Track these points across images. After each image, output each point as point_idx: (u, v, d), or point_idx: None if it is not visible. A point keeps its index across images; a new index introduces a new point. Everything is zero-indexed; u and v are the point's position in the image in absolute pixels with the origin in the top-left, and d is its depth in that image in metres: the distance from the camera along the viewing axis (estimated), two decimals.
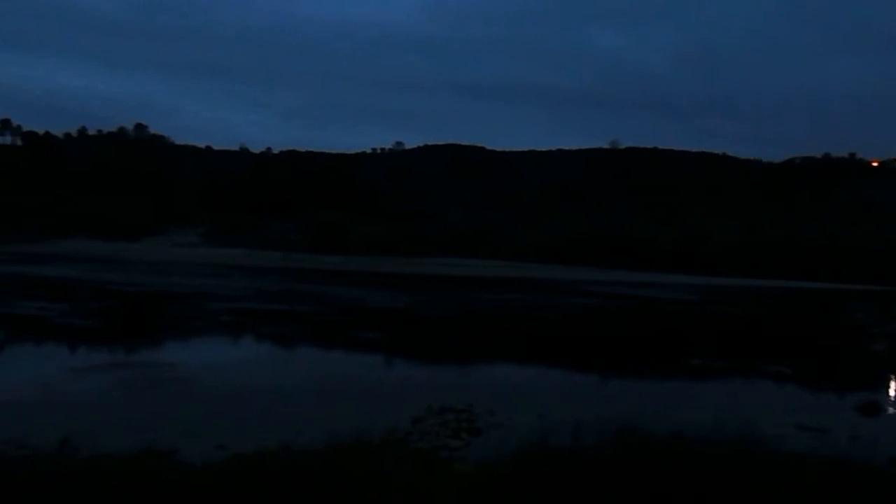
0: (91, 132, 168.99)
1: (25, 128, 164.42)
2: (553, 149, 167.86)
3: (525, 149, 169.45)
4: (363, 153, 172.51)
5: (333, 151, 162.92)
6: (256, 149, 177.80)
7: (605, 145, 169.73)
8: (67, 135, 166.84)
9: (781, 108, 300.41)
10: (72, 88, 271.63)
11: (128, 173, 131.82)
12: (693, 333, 35.24)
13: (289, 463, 8.45)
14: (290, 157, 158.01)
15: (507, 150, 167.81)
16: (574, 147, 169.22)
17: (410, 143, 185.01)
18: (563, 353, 26.92)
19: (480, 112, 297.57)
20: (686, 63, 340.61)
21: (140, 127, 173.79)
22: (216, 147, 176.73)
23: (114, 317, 32.41)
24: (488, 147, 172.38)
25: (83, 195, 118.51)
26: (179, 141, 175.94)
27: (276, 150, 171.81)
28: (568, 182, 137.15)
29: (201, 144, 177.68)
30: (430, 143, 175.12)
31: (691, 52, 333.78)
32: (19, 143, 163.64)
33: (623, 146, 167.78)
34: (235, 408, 14.73)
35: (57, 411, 13.66)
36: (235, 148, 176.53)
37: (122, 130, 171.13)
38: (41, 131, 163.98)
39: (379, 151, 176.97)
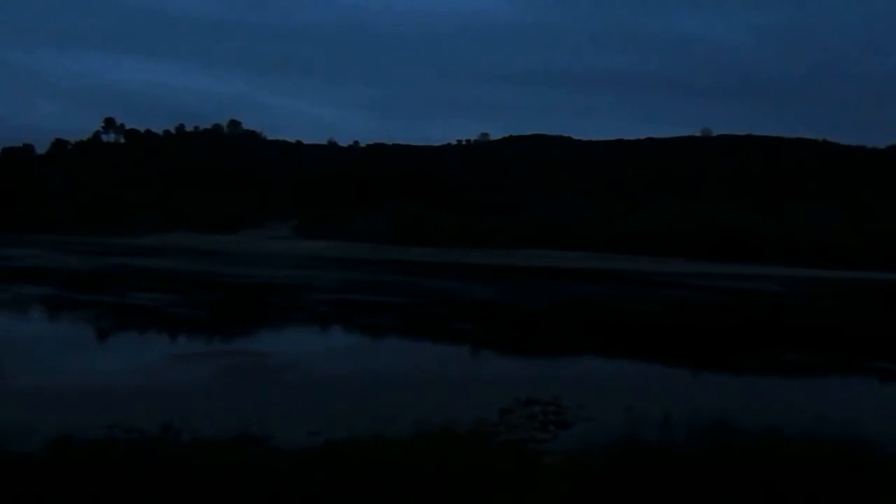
0: (188, 129, 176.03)
1: (128, 126, 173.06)
2: (642, 138, 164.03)
3: (612, 138, 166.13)
4: (448, 145, 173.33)
5: (419, 144, 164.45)
6: (344, 143, 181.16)
7: (697, 133, 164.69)
8: (167, 132, 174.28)
9: (884, 89, 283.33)
10: (169, 87, 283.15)
11: (223, 168, 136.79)
12: (791, 327, 33.86)
13: (378, 452, 8.60)
14: (377, 150, 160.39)
15: (594, 139, 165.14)
16: (664, 135, 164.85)
17: (495, 134, 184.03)
18: (654, 346, 26.37)
19: (566, 101, 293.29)
20: (779, 45, 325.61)
21: (234, 123, 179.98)
22: (306, 142, 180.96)
23: (219, 307, 33.79)
24: (575, 137, 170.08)
25: (182, 190, 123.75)
26: (271, 136, 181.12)
27: (363, 144, 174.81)
28: (658, 172, 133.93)
29: (292, 139, 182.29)
30: (514, 133, 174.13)
31: (783, 32, 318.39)
32: (122, 140, 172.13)
33: (715, 133, 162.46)
34: (329, 396, 15.13)
35: (161, 397, 14.38)
36: (324, 142, 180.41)
37: (217, 127, 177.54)
38: (142, 129, 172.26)
39: (464, 143, 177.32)
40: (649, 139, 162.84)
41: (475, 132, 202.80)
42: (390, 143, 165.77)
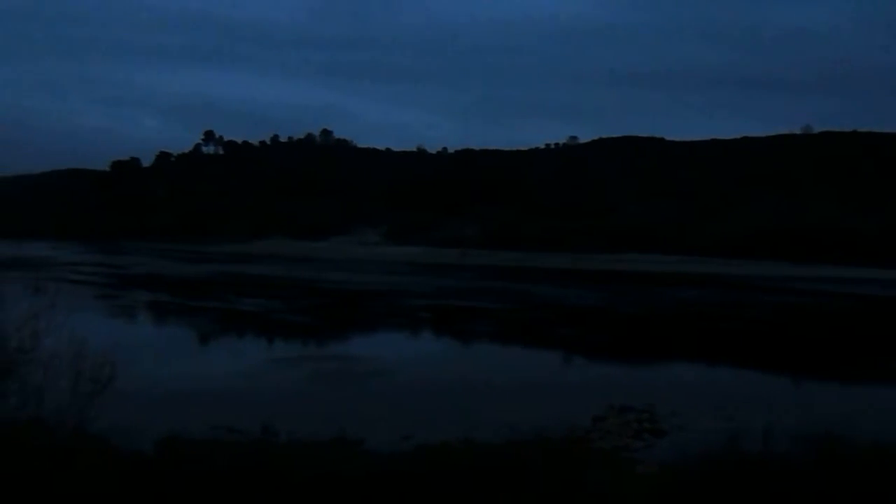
0: (283, 139, 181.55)
1: (226, 138, 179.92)
2: (737, 137, 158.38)
3: (706, 138, 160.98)
4: (536, 149, 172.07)
5: (507, 149, 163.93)
6: (433, 149, 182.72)
7: (797, 131, 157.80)
8: (262, 142, 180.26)
9: None
10: (265, 99, 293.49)
11: (316, 176, 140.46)
12: None
13: (470, 456, 8.62)
14: (465, 155, 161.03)
15: (688, 140, 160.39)
16: (762, 134, 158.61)
17: (584, 137, 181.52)
18: (754, 352, 25.43)
19: (657, 102, 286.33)
20: (885, 35, 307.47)
21: (326, 132, 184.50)
22: (395, 149, 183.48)
23: (319, 313, 34.80)
24: (667, 138, 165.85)
25: (277, 198, 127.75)
26: (362, 144, 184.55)
27: (451, 150, 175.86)
28: (754, 171, 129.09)
29: (382, 147, 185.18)
30: (604, 136, 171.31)
31: (885, 22, 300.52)
32: (221, 152, 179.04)
33: (817, 131, 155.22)
34: (422, 400, 15.32)
35: (262, 399, 14.90)
36: (413, 149, 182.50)
37: (309, 136, 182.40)
38: (240, 141, 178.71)
39: (552, 147, 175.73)
40: (745, 138, 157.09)
41: (563, 136, 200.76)
42: (478, 148, 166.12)
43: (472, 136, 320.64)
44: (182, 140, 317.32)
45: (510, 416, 11.63)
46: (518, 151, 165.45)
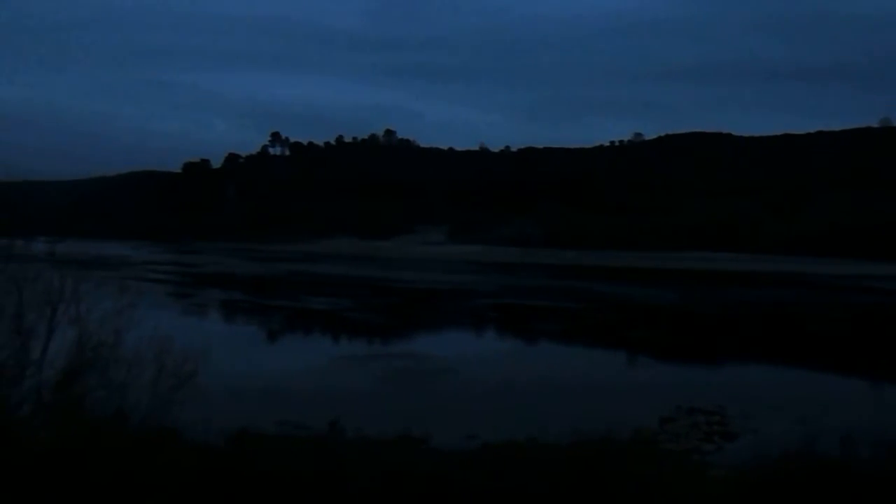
0: (347, 140, 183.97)
1: (292, 139, 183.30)
2: (812, 131, 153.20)
3: (778, 133, 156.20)
4: (600, 146, 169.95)
5: (571, 147, 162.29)
6: (495, 148, 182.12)
7: (875, 124, 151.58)
8: (327, 143, 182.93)
9: None
10: (328, 100, 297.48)
11: (379, 176, 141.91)
12: None
13: (536, 456, 8.57)
14: (528, 154, 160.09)
15: (758, 135, 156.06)
16: (836, 128, 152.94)
17: (649, 133, 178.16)
18: (831, 354, 24.56)
19: (725, 97, 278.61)
20: None
21: (389, 133, 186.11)
22: (458, 148, 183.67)
23: (388, 311, 35.22)
24: (736, 134, 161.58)
25: (342, 198, 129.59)
26: (424, 144, 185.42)
27: (514, 149, 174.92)
28: (830, 167, 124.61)
29: (444, 146, 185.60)
30: (671, 132, 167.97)
31: None
32: (287, 153, 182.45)
33: None
34: (488, 399, 15.33)
35: (331, 396, 15.16)
36: (476, 148, 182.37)
37: (373, 137, 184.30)
38: (305, 142, 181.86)
39: (617, 144, 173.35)
40: (820, 133, 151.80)
41: (628, 132, 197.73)
42: (541, 146, 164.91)
43: (534, 134, 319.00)
44: (250, 141, 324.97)
45: (576, 416, 11.50)
46: (581, 149, 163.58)
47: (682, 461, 9.54)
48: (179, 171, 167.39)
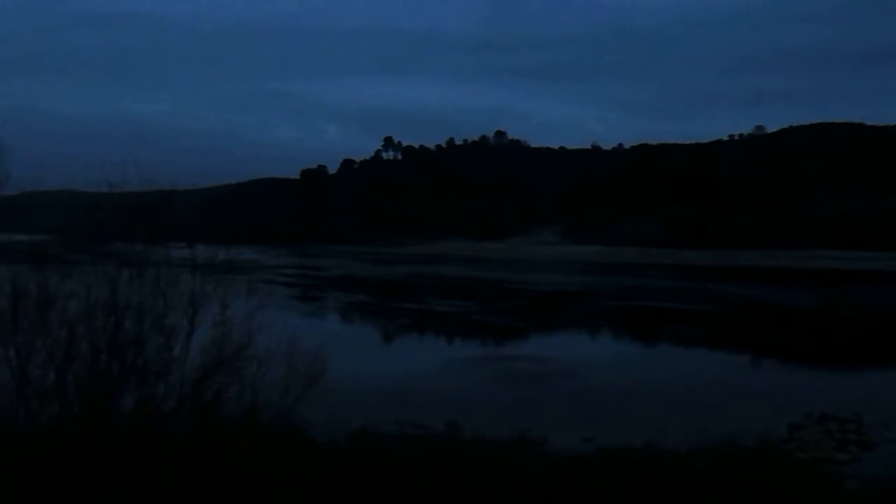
0: (458, 142, 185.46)
1: (404, 143, 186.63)
2: None
3: None
4: (719, 141, 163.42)
5: (687, 142, 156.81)
6: (608, 146, 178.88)
7: None
8: (439, 146, 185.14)
9: None
10: (439, 103, 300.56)
11: (491, 178, 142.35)
12: None
13: (654, 462, 8.39)
14: (642, 151, 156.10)
15: (893, 124, 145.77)
16: None
17: (772, 126, 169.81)
18: None
19: (855, 84, 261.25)
20: None
21: (499, 133, 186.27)
22: (569, 147, 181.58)
23: (512, 313, 35.35)
24: (868, 123, 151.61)
25: (454, 200, 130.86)
26: (535, 144, 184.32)
27: (627, 146, 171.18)
28: None
29: (555, 146, 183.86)
30: (794, 124, 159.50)
31: None
32: (400, 157, 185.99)
33: None
34: (606, 402, 15.12)
35: (449, 396, 15.38)
36: (587, 146, 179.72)
37: (483, 138, 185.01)
38: (417, 145, 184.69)
39: (737, 138, 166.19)
40: None
41: (749, 126, 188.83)
42: (656, 143, 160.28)
43: (648, 130, 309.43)
44: (364, 147, 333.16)
45: (698, 421, 11.17)
46: (698, 144, 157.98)
47: (814, 471, 9.07)
48: (298, 177, 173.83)
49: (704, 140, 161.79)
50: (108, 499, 4.62)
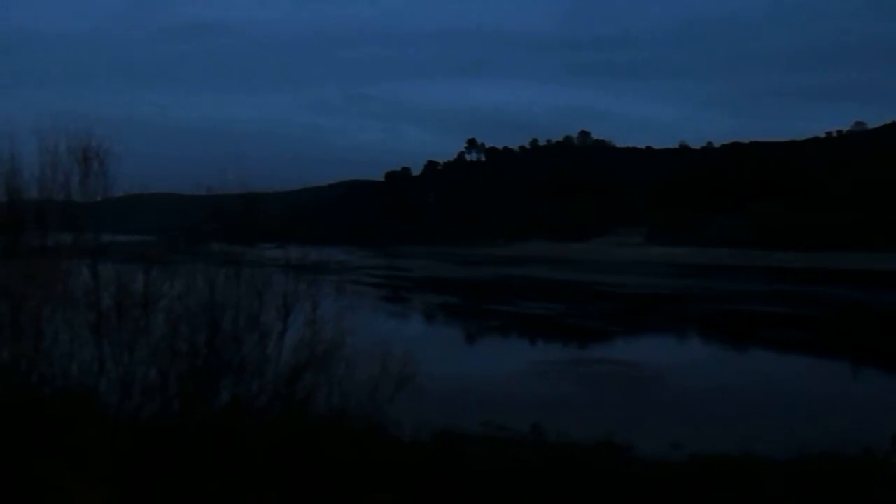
0: (541, 143, 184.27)
1: (487, 144, 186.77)
2: None
3: None
4: (815, 138, 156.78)
5: (780, 140, 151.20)
6: (696, 144, 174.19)
7: None
8: (522, 147, 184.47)
9: None
10: (521, 104, 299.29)
11: (575, 178, 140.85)
12: None
13: (750, 470, 8.12)
14: (733, 149, 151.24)
15: None
16: None
17: (873, 122, 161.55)
18: None
19: None
20: None
21: (584, 134, 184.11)
22: (656, 146, 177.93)
23: (606, 317, 34.87)
24: None
25: (537, 201, 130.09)
26: (620, 144, 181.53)
27: (717, 145, 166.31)
28: None
29: (641, 145, 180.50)
30: None
31: None
32: (483, 158, 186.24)
33: None
34: (696, 408, 14.71)
35: (535, 399, 15.28)
36: (675, 146, 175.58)
37: (567, 139, 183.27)
38: (500, 147, 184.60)
39: (834, 135, 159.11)
40: None
41: (847, 122, 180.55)
42: (747, 141, 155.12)
43: (739, 128, 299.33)
44: (447, 148, 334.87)
45: (796, 430, 10.73)
46: (793, 142, 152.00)
47: None
48: (382, 179, 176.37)
49: (799, 137, 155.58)
50: (206, 491, 4.81)
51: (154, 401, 5.68)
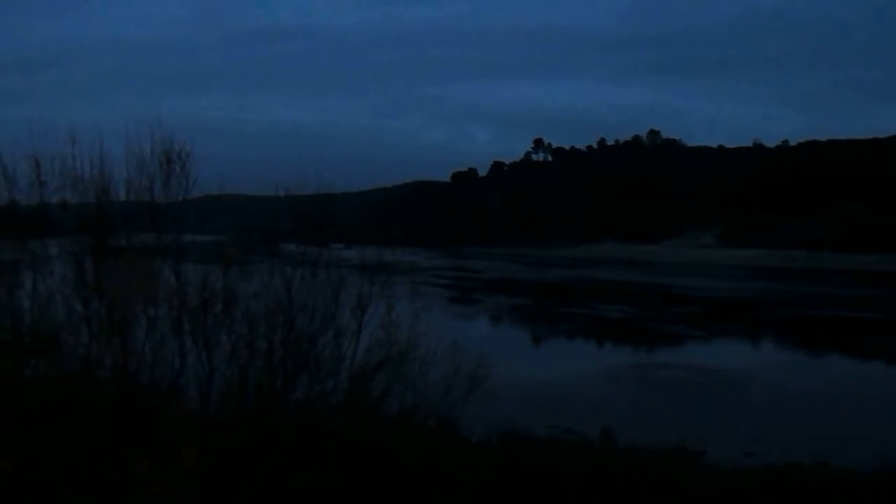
0: (609, 142, 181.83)
1: (554, 145, 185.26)
2: None
3: None
4: None
5: (861, 137, 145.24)
6: (771, 143, 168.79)
7: None
8: (590, 147, 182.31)
9: None
10: (588, 103, 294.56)
11: (644, 178, 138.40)
12: None
13: (829, 483, 7.89)
14: (810, 148, 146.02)
15: None
16: None
17: None
18: None
19: None
20: None
21: (653, 133, 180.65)
22: (728, 146, 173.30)
23: (685, 320, 34.27)
24: None
25: (606, 202, 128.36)
26: (691, 143, 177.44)
27: (793, 143, 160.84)
28: None
29: (713, 144, 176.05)
30: None
31: None
32: (550, 158, 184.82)
33: None
34: (773, 416, 14.32)
35: (607, 402, 15.16)
36: (748, 144, 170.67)
37: (636, 138, 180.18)
38: (567, 146, 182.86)
39: None
40: None
41: None
42: (825, 139, 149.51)
43: (816, 125, 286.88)
44: (513, 149, 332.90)
45: (879, 442, 10.35)
46: (875, 140, 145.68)
47: None
48: (449, 179, 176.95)
49: (882, 135, 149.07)
50: (287, 487, 4.96)
51: (233, 397, 5.88)
